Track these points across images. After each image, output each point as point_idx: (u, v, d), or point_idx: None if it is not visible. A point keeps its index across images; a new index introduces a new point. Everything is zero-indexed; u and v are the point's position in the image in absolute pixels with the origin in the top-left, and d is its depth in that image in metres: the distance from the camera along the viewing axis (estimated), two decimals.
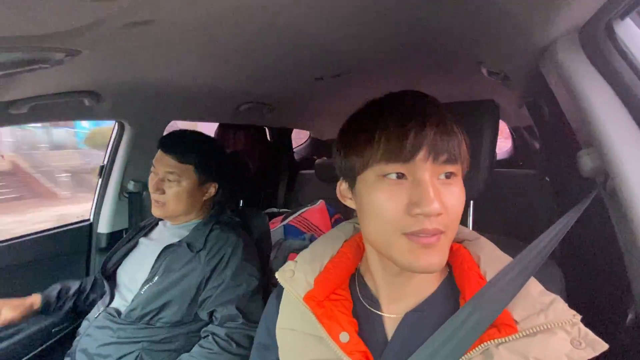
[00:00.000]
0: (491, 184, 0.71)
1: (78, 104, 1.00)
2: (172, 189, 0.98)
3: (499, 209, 1.48)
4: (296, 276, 0.55)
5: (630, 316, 0.60)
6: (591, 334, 0.41)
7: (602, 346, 0.40)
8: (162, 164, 0.98)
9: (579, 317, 0.42)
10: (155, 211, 1.00)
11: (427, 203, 0.40)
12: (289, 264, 0.57)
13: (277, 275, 0.56)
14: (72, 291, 1.06)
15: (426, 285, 0.51)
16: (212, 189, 1.06)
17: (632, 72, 0.41)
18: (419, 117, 0.42)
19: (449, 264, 0.53)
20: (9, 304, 0.93)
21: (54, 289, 1.03)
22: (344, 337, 0.48)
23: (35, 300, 0.98)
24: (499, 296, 0.44)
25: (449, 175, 0.43)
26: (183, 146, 0.99)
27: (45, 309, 1.00)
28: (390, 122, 0.43)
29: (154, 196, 0.99)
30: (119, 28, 0.44)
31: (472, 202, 0.77)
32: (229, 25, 0.62)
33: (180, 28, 0.57)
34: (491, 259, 0.50)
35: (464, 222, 0.75)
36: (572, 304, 0.45)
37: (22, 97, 0.83)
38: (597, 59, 0.43)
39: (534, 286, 0.46)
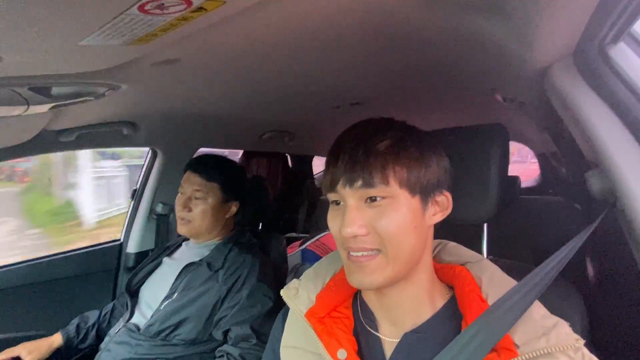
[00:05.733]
0: (517, 211, 0.70)
1: (118, 133, 1.12)
2: (198, 207, 1.05)
3: (527, 237, 1.42)
4: (300, 293, 0.56)
5: None
6: None
7: None
8: (190, 183, 1.06)
9: (582, 341, 0.41)
10: (181, 229, 1.06)
11: (343, 227, 0.46)
12: (294, 282, 0.59)
13: (282, 293, 0.58)
14: (90, 322, 1.10)
15: (424, 308, 0.50)
16: (233, 208, 1.12)
17: (629, 93, 0.41)
18: (339, 150, 0.48)
19: (452, 287, 0.53)
20: (28, 347, 0.98)
21: (72, 324, 1.09)
22: (342, 354, 0.48)
23: (55, 339, 1.04)
24: (502, 320, 0.43)
25: (373, 199, 0.46)
26: (209, 166, 1.08)
27: (68, 344, 1.05)
28: (327, 158, 0.50)
29: (181, 214, 1.05)
30: (151, 66, 0.51)
31: (485, 226, 0.75)
32: (250, 61, 0.68)
33: (204, 65, 0.64)
34: (493, 281, 0.49)
35: (477, 245, 0.74)
36: (597, 334, 0.43)
37: (70, 127, 0.94)
38: (594, 81, 0.44)
39: (537, 309, 0.45)
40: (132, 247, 1.42)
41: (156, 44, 0.39)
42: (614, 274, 0.76)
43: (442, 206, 0.50)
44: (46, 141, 0.98)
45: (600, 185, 0.47)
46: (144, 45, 0.38)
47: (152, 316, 0.99)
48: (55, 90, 0.50)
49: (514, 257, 0.79)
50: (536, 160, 2.29)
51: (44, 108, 0.53)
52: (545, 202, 1.50)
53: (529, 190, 2.12)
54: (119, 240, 1.44)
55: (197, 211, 1.04)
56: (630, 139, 0.41)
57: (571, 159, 1.09)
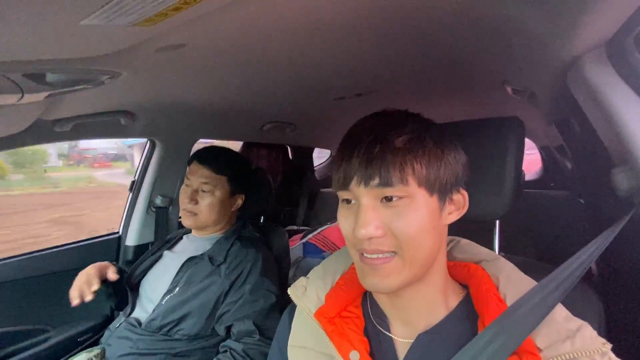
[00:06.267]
0: (521, 206, 0.68)
1: (115, 123, 1.08)
2: (205, 200, 1.02)
3: (530, 232, 1.41)
4: (308, 292, 0.54)
5: None
6: None
7: None
8: (198, 175, 1.02)
9: (609, 345, 0.39)
10: (186, 221, 1.04)
11: (357, 227, 0.43)
12: (301, 280, 0.57)
13: (289, 291, 0.56)
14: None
15: (437, 308, 0.49)
16: (239, 201, 1.10)
17: None
18: (353, 145, 0.45)
19: (466, 286, 0.51)
20: (98, 267, 0.98)
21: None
22: (354, 355, 0.47)
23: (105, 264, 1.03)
24: (523, 321, 0.42)
25: (390, 199, 0.43)
26: (218, 158, 1.05)
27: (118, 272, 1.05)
28: (338, 152, 0.47)
29: (187, 207, 1.02)
30: (155, 51, 0.48)
31: (497, 222, 0.74)
32: (253, 49, 0.65)
33: (209, 52, 0.61)
34: (511, 280, 0.48)
35: (489, 242, 0.72)
36: (614, 337, 0.42)
37: (66, 116, 0.91)
38: (627, 73, 0.41)
39: (559, 311, 0.43)
40: (131, 240, 1.40)
41: (164, 26, 0.36)
42: (626, 275, 0.75)
43: (458, 205, 0.48)
44: (40, 131, 0.94)
45: (628, 183, 0.45)
46: (151, 27, 0.35)
47: (153, 311, 0.97)
48: (51, 78, 0.46)
49: (517, 251, 0.78)
50: (530, 152, 2.29)
51: (40, 97, 0.50)
52: (549, 196, 1.50)
53: (531, 183, 2.11)
54: (117, 233, 1.42)
55: (204, 204, 1.02)
56: None
57: (581, 154, 1.08)
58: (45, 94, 0.49)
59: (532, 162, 2.52)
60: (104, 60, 0.46)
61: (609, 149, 0.53)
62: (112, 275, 0.98)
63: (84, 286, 0.92)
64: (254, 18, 0.49)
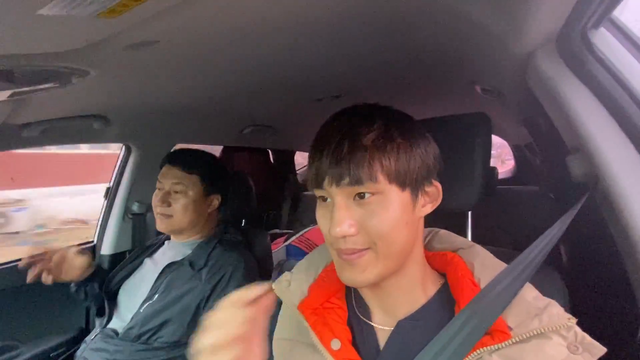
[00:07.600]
0: (494, 201, 0.71)
1: (87, 127, 1.05)
2: (179, 201, 1.00)
3: (505, 226, 1.46)
4: (292, 286, 0.55)
5: None
6: (588, 338, 0.40)
7: (600, 350, 0.39)
8: (168, 177, 1.00)
9: (574, 320, 0.41)
10: (161, 225, 1.01)
11: (332, 227, 0.44)
12: (286, 275, 0.57)
13: (273, 286, 0.56)
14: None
15: (417, 296, 0.50)
16: (215, 201, 1.08)
17: (610, 77, 0.42)
18: (323, 144, 0.45)
19: (444, 274, 0.53)
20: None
21: None
22: (335, 344, 0.47)
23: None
24: (494, 303, 0.44)
25: (362, 196, 0.44)
26: (188, 157, 1.04)
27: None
28: (310, 151, 0.48)
29: (160, 210, 0.99)
30: (125, 48, 0.48)
31: (469, 213, 0.76)
32: (229, 49, 0.65)
33: (183, 50, 0.61)
34: (485, 265, 0.49)
35: (463, 233, 0.74)
36: (577, 314, 0.44)
37: (34, 120, 0.88)
38: (576, 66, 0.45)
39: (528, 291, 0.46)
40: (106, 249, 1.35)
41: (129, 19, 0.36)
42: (588, 257, 0.79)
43: (432, 197, 0.49)
44: (7, 136, 0.90)
45: (581, 168, 0.49)
46: (116, 20, 0.35)
47: (131, 319, 0.94)
48: (14, 75, 0.45)
49: (494, 244, 0.81)
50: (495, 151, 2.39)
51: (4, 95, 0.48)
52: (522, 192, 1.56)
53: (505, 181, 2.19)
54: (92, 242, 1.37)
55: (178, 206, 0.99)
56: (611, 120, 0.42)
57: (547, 149, 1.14)
58: (9, 92, 0.48)
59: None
60: (69, 57, 0.45)
61: (566, 140, 0.57)
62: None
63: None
64: (228, 16, 0.49)
